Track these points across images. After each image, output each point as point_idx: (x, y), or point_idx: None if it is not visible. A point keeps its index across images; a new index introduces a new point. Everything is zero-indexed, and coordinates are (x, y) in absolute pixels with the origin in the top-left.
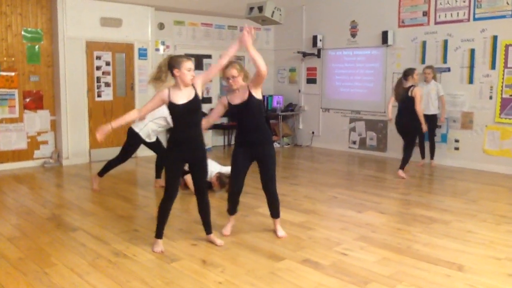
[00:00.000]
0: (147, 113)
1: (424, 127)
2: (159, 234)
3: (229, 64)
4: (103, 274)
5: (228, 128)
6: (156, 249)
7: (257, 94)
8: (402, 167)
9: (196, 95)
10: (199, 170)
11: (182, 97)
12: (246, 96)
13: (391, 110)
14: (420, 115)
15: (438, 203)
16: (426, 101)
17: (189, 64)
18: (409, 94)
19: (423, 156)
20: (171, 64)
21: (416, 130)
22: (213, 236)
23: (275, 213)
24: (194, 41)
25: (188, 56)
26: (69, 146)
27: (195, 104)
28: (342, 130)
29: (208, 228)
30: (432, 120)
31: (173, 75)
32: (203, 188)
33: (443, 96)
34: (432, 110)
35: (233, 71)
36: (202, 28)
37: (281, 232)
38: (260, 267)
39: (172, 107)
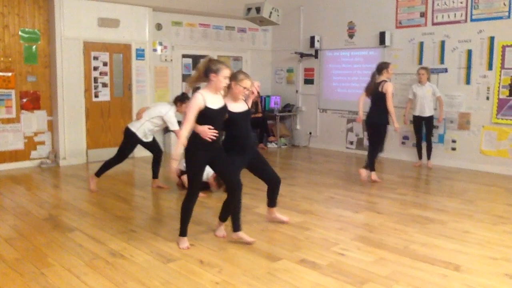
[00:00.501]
0: (192, 125)
1: (396, 125)
2: (184, 232)
3: (246, 76)
4: (100, 275)
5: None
6: (182, 246)
7: None
8: (372, 169)
9: (225, 103)
10: (225, 165)
11: (216, 102)
12: (246, 105)
13: (362, 107)
14: (392, 112)
15: (435, 204)
16: (421, 103)
17: (227, 72)
18: (380, 89)
19: (420, 157)
20: (211, 68)
21: (385, 128)
22: (242, 234)
23: (276, 201)
24: (192, 42)
25: (226, 65)
26: (66, 146)
27: (225, 111)
28: (340, 131)
29: (237, 226)
30: (428, 121)
31: (208, 78)
32: (234, 183)
33: (441, 96)
34: (428, 112)
35: (249, 84)
36: (200, 28)
37: (285, 217)
38: (257, 267)
39: (207, 111)
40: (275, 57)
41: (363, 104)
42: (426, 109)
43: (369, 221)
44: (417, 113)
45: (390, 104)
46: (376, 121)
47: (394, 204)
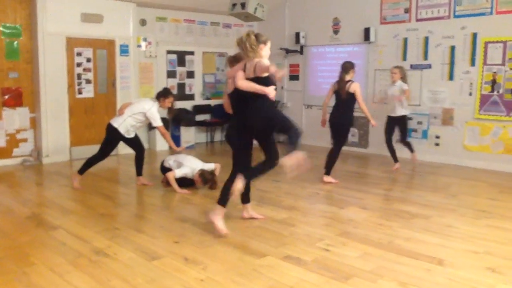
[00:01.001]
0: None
1: (373, 122)
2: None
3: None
4: (83, 273)
5: (212, 125)
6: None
7: None
8: (328, 172)
9: None
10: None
11: None
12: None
13: (326, 111)
14: (365, 110)
15: (419, 198)
16: (392, 103)
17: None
18: (348, 89)
19: (395, 159)
20: (261, 39)
21: (348, 128)
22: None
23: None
24: (177, 38)
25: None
26: (49, 143)
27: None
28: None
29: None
30: (400, 122)
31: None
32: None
33: (408, 90)
34: (398, 112)
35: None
36: (185, 24)
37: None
38: (242, 264)
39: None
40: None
41: (326, 110)
42: (396, 109)
43: (354, 217)
44: (389, 113)
45: (362, 103)
46: (342, 121)
47: (379, 199)
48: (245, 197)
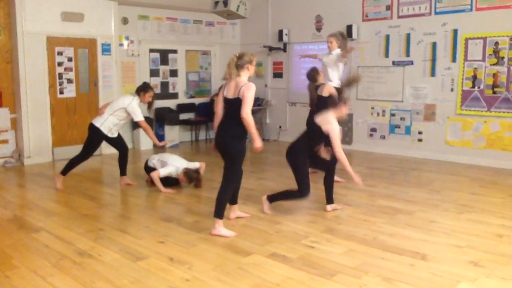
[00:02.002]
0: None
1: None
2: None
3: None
4: (67, 275)
5: (196, 123)
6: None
7: None
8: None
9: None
10: None
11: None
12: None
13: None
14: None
15: (403, 194)
16: (325, 73)
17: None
18: (320, 93)
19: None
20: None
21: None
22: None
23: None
24: (159, 36)
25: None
26: (31, 144)
27: None
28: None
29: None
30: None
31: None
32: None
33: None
34: (335, 84)
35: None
36: (167, 22)
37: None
38: (228, 263)
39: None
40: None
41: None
42: (331, 81)
43: (338, 213)
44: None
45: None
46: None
47: (363, 195)
48: (233, 199)
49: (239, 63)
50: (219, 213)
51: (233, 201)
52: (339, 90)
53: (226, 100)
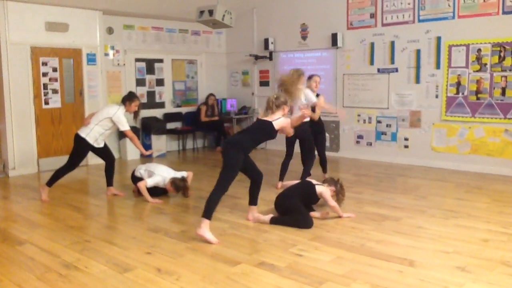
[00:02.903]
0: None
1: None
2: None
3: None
4: None
5: (183, 132)
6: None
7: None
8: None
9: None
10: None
11: None
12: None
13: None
14: (327, 108)
15: (390, 201)
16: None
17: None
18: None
19: (281, 177)
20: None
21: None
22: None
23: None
24: (145, 45)
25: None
26: (16, 156)
27: None
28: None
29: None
30: (300, 137)
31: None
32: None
33: (316, 102)
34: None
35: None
36: (153, 32)
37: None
38: (216, 272)
39: None
40: (230, 60)
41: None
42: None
43: (326, 221)
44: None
45: (324, 105)
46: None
47: (350, 202)
48: (252, 199)
49: (276, 104)
50: (207, 213)
51: (252, 202)
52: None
53: (258, 120)
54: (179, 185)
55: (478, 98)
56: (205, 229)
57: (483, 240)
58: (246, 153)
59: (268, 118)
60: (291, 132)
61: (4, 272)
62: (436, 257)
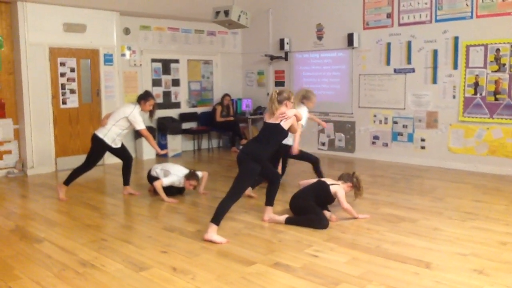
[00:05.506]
0: None
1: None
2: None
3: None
4: (69, 286)
5: (198, 132)
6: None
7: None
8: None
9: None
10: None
11: None
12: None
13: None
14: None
15: (406, 202)
16: None
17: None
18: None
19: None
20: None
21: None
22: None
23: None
24: (161, 46)
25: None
26: (34, 155)
27: None
28: (311, 132)
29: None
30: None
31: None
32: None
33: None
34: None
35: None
36: (169, 32)
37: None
38: (231, 272)
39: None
40: (245, 60)
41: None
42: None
43: (341, 221)
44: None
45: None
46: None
47: (366, 203)
48: (269, 200)
49: (279, 99)
50: (216, 219)
51: (269, 202)
52: None
53: (265, 124)
54: (191, 174)
55: (496, 99)
56: (212, 233)
57: (501, 243)
58: (263, 163)
59: (274, 120)
60: (297, 129)
61: (23, 269)
62: (453, 259)
